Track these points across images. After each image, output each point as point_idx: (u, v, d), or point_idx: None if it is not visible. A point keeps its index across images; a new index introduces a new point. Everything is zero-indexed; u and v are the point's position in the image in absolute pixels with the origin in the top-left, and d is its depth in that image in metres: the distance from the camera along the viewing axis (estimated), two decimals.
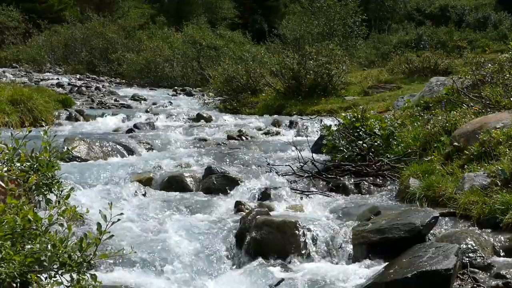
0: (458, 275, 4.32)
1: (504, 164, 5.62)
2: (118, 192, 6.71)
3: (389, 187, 7.02)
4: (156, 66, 24.65)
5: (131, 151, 9.44)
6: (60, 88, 19.63)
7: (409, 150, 7.43)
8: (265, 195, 6.77)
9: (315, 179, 7.27)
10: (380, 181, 7.20)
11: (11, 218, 2.70)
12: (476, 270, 4.43)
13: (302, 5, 32.75)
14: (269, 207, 6.26)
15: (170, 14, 42.16)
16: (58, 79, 23.30)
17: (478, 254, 4.58)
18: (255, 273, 4.88)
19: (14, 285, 2.65)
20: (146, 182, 7.27)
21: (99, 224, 2.84)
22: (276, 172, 7.48)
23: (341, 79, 17.55)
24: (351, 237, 5.20)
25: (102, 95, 19.29)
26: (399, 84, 18.12)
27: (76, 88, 19.97)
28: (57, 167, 3.31)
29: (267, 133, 12.51)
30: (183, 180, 7.27)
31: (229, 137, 11.54)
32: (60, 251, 2.72)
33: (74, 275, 2.80)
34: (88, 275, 2.82)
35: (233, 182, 7.13)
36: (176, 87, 23.18)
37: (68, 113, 13.78)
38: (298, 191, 6.87)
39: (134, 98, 19.00)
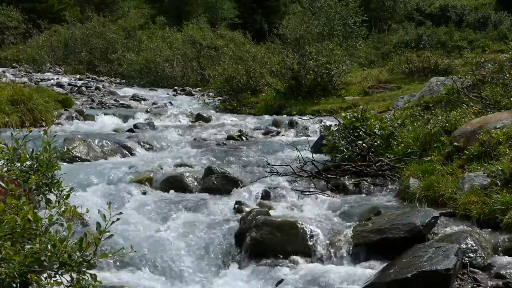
0: (458, 275, 4.32)
1: (504, 164, 5.62)
2: (118, 192, 6.71)
3: (389, 187, 7.01)
4: (156, 66, 24.59)
5: (131, 151, 9.43)
6: (60, 88, 19.59)
7: (409, 150, 7.42)
8: (265, 195, 6.77)
9: (315, 179, 7.27)
10: (380, 181, 7.18)
11: (11, 218, 2.70)
12: (476, 270, 4.43)
13: (302, 5, 32.68)
14: (269, 207, 6.27)
15: (170, 14, 42.07)
16: (58, 79, 23.25)
17: (478, 254, 4.58)
18: (255, 273, 4.89)
19: (14, 285, 2.64)
20: (146, 182, 7.27)
21: (98, 224, 2.84)
22: (276, 172, 7.48)
23: (341, 79, 17.53)
24: (351, 237, 5.20)
25: (102, 95, 19.26)
26: (399, 84, 18.09)
27: (76, 88, 19.94)
28: (57, 167, 3.31)
29: (267, 133, 12.51)
30: (183, 180, 7.25)
31: (229, 137, 11.54)
32: (60, 251, 2.72)
33: (74, 275, 2.80)
34: (88, 275, 2.82)
35: (233, 182, 7.14)
36: (176, 87, 23.14)
37: (68, 113, 13.75)
38: (298, 191, 6.87)
39: (134, 98, 18.97)
